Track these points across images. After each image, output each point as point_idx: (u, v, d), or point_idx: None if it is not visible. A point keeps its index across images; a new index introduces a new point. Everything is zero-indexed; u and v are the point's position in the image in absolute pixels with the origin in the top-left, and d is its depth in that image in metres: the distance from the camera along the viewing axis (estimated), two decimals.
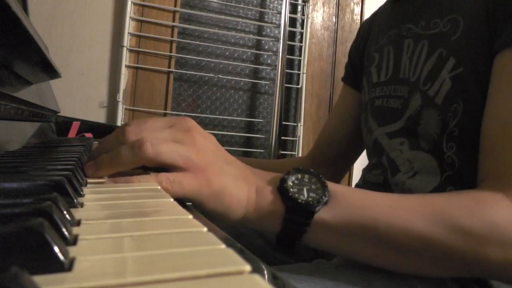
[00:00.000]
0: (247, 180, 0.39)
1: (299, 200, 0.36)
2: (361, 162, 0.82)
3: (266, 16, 1.72)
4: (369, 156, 0.67)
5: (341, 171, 0.81)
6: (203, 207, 0.36)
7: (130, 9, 1.44)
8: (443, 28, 0.53)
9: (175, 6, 1.53)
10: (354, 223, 0.36)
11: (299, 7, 1.76)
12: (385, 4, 0.70)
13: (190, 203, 0.36)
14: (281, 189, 0.38)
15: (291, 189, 0.37)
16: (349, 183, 1.76)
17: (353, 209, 0.37)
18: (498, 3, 0.46)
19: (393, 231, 0.36)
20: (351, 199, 0.38)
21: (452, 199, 0.38)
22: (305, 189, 0.37)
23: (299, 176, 0.39)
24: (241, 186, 0.38)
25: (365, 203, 0.38)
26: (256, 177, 0.40)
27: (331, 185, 0.39)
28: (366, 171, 0.65)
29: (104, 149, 0.37)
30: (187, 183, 0.34)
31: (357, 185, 0.67)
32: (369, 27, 0.74)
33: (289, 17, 1.64)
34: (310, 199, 0.36)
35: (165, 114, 1.51)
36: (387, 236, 0.36)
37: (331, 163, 0.79)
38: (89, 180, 0.34)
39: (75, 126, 1.04)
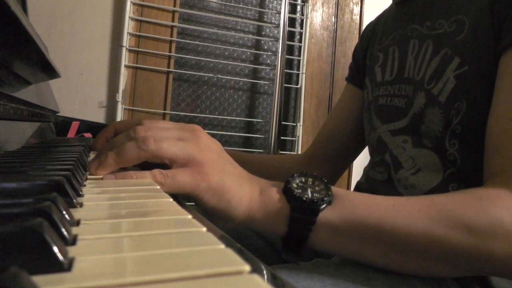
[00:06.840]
0: (249, 181, 0.40)
1: (304, 198, 0.37)
2: (362, 161, 0.82)
3: (265, 16, 1.72)
4: (372, 154, 0.67)
5: (339, 169, 0.82)
6: (202, 204, 0.37)
7: (129, 9, 1.44)
8: (448, 28, 0.53)
9: (174, 6, 1.53)
10: (358, 222, 0.37)
11: (299, 7, 1.76)
12: (390, 6, 0.71)
13: (192, 203, 0.36)
14: (286, 190, 0.39)
15: (295, 190, 0.38)
16: (349, 182, 1.76)
17: (357, 209, 0.37)
18: (502, 3, 0.47)
19: (397, 230, 0.36)
20: (355, 200, 0.38)
21: (455, 198, 0.39)
22: (309, 190, 0.38)
23: (303, 179, 0.40)
24: (243, 185, 0.38)
25: (368, 203, 0.38)
26: (258, 180, 0.41)
27: (333, 188, 0.40)
28: (369, 168, 0.65)
29: (114, 146, 0.38)
30: (181, 177, 0.35)
31: (358, 183, 0.67)
32: (372, 29, 0.75)
33: (289, 17, 1.64)
34: (314, 198, 0.37)
35: (164, 114, 1.51)
36: (391, 235, 0.36)
37: (329, 160, 0.79)
38: (88, 180, 0.34)
39: (75, 126, 1.04)
